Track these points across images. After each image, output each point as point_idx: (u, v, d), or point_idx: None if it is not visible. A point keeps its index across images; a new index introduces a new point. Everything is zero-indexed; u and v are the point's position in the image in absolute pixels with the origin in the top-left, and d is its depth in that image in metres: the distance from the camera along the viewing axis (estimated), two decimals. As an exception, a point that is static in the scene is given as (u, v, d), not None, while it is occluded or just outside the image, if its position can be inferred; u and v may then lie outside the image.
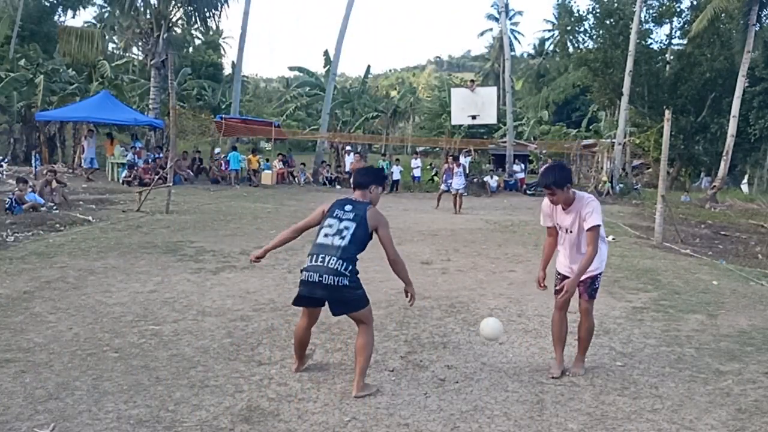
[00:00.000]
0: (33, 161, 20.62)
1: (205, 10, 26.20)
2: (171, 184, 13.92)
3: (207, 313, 5.68)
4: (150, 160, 20.77)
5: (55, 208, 12.52)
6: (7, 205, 11.81)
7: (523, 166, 28.43)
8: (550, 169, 4.38)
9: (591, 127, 40.94)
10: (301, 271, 3.94)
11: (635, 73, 26.71)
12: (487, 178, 26.00)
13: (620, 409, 3.86)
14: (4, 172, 18.00)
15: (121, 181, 19.78)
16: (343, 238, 3.90)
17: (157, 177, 15.56)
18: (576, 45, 35.69)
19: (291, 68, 43.54)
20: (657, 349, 5.10)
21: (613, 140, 27.87)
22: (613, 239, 11.79)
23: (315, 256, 3.89)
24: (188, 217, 12.47)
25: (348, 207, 4.04)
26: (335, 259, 3.81)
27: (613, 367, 4.64)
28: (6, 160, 23.09)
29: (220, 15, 26.72)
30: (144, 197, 13.37)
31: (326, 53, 35.89)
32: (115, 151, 21.77)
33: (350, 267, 3.85)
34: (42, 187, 13.19)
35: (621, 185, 25.82)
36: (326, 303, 3.97)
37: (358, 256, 3.93)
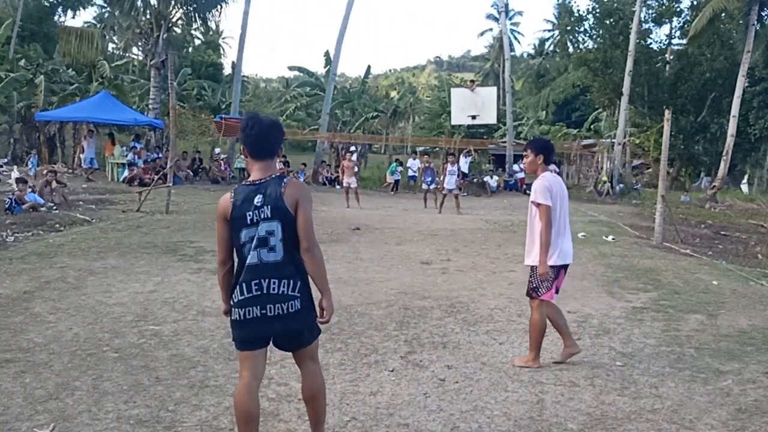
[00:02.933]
0: (30, 161, 20.62)
1: (205, 10, 26.20)
2: (171, 184, 13.92)
3: (207, 313, 5.68)
4: (150, 160, 20.77)
5: (55, 208, 12.52)
6: (7, 205, 11.81)
7: (523, 165, 28.37)
8: (536, 138, 4.74)
9: (591, 127, 40.91)
10: (233, 308, 2.90)
11: (635, 73, 26.71)
12: (486, 178, 25.99)
13: (620, 409, 3.86)
14: (4, 173, 18.00)
15: (122, 179, 19.78)
16: (272, 249, 2.83)
17: (156, 177, 15.55)
18: (576, 45, 35.73)
19: (291, 68, 43.60)
20: (657, 349, 5.10)
21: (613, 140, 27.87)
22: (613, 239, 11.79)
23: (246, 285, 2.83)
24: (188, 217, 12.47)
25: (258, 199, 2.85)
26: (276, 281, 2.82)
27: (613, 367, 4.64)
28: (6, 160, 23.08)
29: (219, 15, 26.80)
30: (144, 197, 13.37)
31: (327, 53, 35.92)
32: (115, 151, 21.77)
33: (298, 283, 2.86)
34: (42, 188, 13.19)
35: (621, 185, 25.82)
36: (275, 341, 2.99)
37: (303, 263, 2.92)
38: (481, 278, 7.79)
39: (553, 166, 4.81)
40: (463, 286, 7.26)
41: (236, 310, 2.87)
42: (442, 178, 17.07)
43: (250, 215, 2.83)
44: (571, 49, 37.94)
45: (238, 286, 2.86)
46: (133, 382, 4.00)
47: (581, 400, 3.98)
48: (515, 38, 58.01)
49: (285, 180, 2.89)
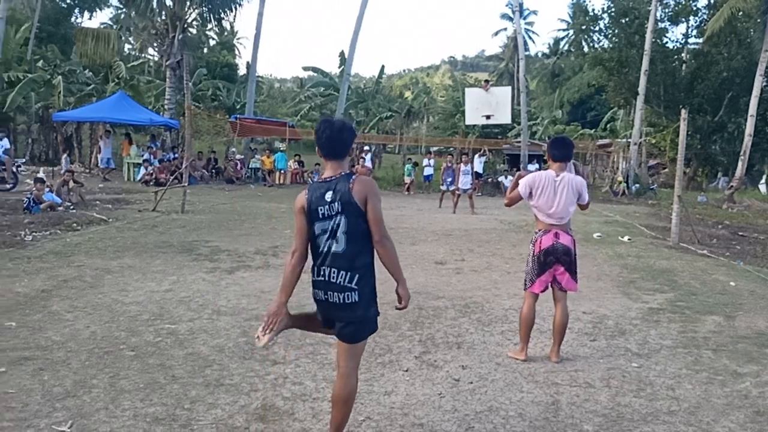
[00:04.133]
0: (63, 160, 20.96)
1: (220, 11, 26.36)
2: (186, 184, 14.03)
3: (222, 312, 5.71)
4: (165, 160, 20.94)
5: (72, 207, 12.66)
6: (25, 205, 11.97)
7: (537, 165, 28.27)
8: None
9: (607, 127, 40.65)
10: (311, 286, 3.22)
11: (651, 72, 26.46)
12: (501, 178, 25.90)
13: (636, 411, 3.83)
14: (22, 172, 18.26)
15: (138, 179, 19.96)
16: (337, 241, 3.04)
17: (172, 177, 15.67)
18: (591, 44, 35.37)
19: (305, 68, 43.75)
20: (673, 350, 5.05)
21: (629, 140, 27.64)
22: (629, 240, 11.70)
23: (317, 269, 3.10)
24: (203, 217, 12.56)
25: (329, 195, 3.06)
26: (336, 271, 3.04)
27: (629, 368, 4.61)
28: (24, 160, 23.38)
29: (234, 16, 26.96)
30: (160, 197, 13.49)
31: (341, 54, 35.98)
32: (132, 151, 22.00)
33: (356, 276, 3.03)
34: (59, 187, 13.35)
35: (637, 185, 25.60)
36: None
37: (369, 257, 3.11)
38: (496, 278, 7.77)
39: (567, 165, 4.85)
40: (478, 286, 7.25)
41: (312, 289, 3.15)
42: (457, 179, 17.05)
43: (322, 210, 3.06)
44: (586, 49, 37.56)
45: (312, 270, 3.13)
46: (149, 380, 4.03)
47: (597, 402, 3.96)
48: (530, 38, 57.80)
49: (353, 177, 3.09)
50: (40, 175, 15.06)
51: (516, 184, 4.85)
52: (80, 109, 23.40)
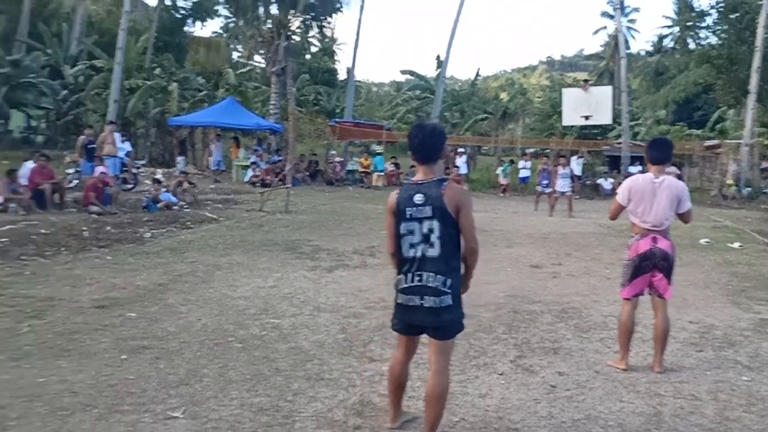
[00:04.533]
0: (179, 163, 22.55)
1: (322, 18, 27.21)
2: (290, 186, 14.62)
3: (322, 309, 5.93)
4: (271, 163, 21.90)
5: (186, 207, 13.56)
6: (144, 204, 12.96)
7: (640, 167, 26.91)
8: None
9: (715, 127, 37.94)
10: (397, 292, 3.25)
11: (763, 69, 24.50)
12: (600, 180, 24.91)
13: (746, 427, 3.62)
14: (142, 173, 19.71)
15: (246, 181, 21.01)
16: (432, 246, 3.11)
17: (277, 178, 16.37)
18: (697, 41, 33.20)
19: (403, 72, 44.09)
20: (790, 365, 4.70)
21: (740, 141, 25.74)
22: (740, 246, 10.93)
23: (411, 275, 3.16)
24: (305, 217, 13.03)
25: (418, 198, 3.14)
26: (433, 275, 3.11)
27: (739, 381, 4.34)
28: (143, 162, 25.25)
29: (335, 22, 27.69)
30: (266, 198, 14.16)
31: (438, 57, 36.05)
32: (240, 154, 23.20)
33: (450, 281, 3.13)
34: (175, 187, 14.34)
35: (748, 189, 23.80)
36: (425, 330, 3.28)
37: (458, 261, 3.20)
38: (595, 284, 7.53)
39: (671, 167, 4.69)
40: (575, 292, 7.06)
41: (400, 295, 3.21)
42: (553, 181, 16.62)
43: (410, 211, 3.15)
44: (692, 46, 35.35)
45: (402, 275, 3.20)
46: (255, 371, 4.24)
47: (703, 415, 3.77)
48: (631, 35, 54.88)
49: (445, 183, 3.16)
50: (158, 176, 16.20)
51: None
52: (193, 114, 24.89)
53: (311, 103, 40.60)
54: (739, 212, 18.74)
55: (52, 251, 8.09)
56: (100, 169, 13.62)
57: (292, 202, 14.43)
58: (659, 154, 4.61)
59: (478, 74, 42.95)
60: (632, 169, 25.67)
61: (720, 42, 29.28)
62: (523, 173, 24.80)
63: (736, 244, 11.09)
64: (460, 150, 27.03)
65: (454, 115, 37.89)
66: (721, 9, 28.40)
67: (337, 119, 28.11)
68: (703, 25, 30.64)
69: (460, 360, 4.62)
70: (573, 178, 17.47)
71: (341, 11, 27.51)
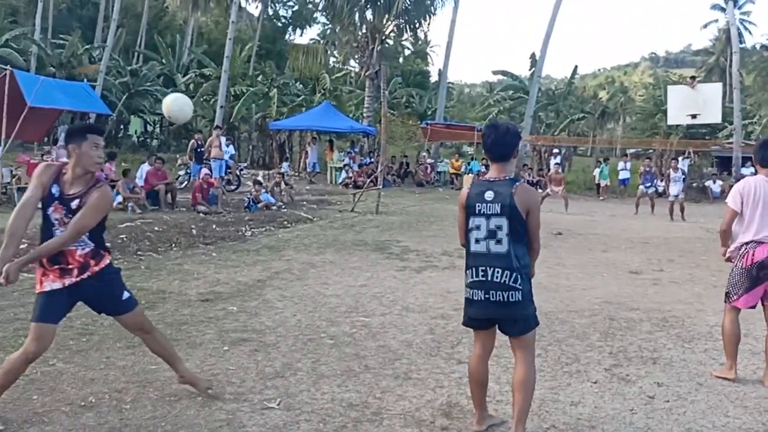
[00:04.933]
0: (284, 168, 23.48)
1: (416, 21, 27.36)
2: (381, 187, 14.84)
3: (410, 309, 5.99)
4: (363, 165, 22.33)
5: (283, 207, 14.10)
6: (246, 204, 13.63)
7: (753, 169, 24.98)
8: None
9: None
10: (466, 287, 3.34)
11: None
12: (708, 183, 23.40)
13: None
14: (245, 175, 20.68)
15: (339, 182, 21.52)
16: (499, 242, 3.17)
17: (369, 180, 16.67)
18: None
19: (495, 72, 43.38)
20: None
21: None
22: None
23: (475, 269, 3.23)
24: (395, 218, 13.18)
25: (489, 194, 3.20)
26: (500, 271, 3.16)
27: None
28: (246, 164, 26.47)
29: (428, 25, 27.75)
30: (357, 199, 14.46)
31: (533, 56, 35.21)
32: (334, 156, 23.83)
33: (520, 278, 3.17)
34: (272, 187, 14.95)
35: None
36: (497, 324, 3.34)
37: (527, 258, 3.26)
38: (699, 292, 7.10)
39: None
40: (678, 299, 6.69)
41: (467, 290, 3.30)
42: (665, 184, 15.84)
43: (479, 206, 3.22)
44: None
45: (468, 270, 3.29)
46: (345, 368, 4.35)
47: (819, 438, 3.47)
48: (745, 28, 50.96)
49: (517, 183, 3.24)
50: (258, 177, 16.96)
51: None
52: (291, 119, 25.82)
53: (403, 106, 40.91)
54: None
55: (164, 247, 8.71)
56: (203, 171, 14.45)
57: (383, 203, 14.62)
58: None
59: (575, 72, 41.40)
60: (744, 170, 23.92)
61: None
62: (622, 174, 23.75)
63: None
64: (555, 151, 26.30)
65: (548, 115, 36.85)
66: None
67: (429, 121, 28.15)
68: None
69: (552, 366, 4.52)
70: (684, 181, 16.60)
71: (435, 14, 27.51)
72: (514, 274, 3.16)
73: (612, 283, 7.47)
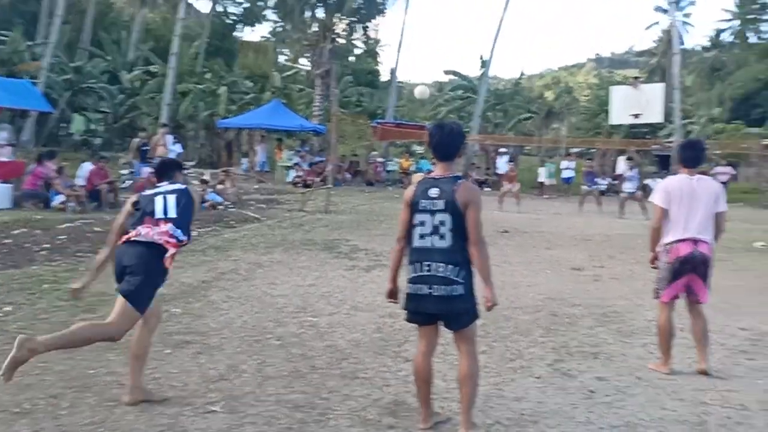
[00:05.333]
0: (243, 164, 23.10)
1: (366, 20, 27.39)
2: (331, 186, 14.78)
3: (359, 308, 5.98)
4: (313, 164, 22.21)
5: (230, 206, 13.86)
6: (191, 204, 13.30)
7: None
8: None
9: (779, 125, 36.32)
10: (408, 282, 3.39)
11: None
12: (648, 181, 24.28)
13: (798, 440, 3.47)
14: (191, 174, 20.26)
15: (288, 181, 21.32)
16: (443, 237, 3.25)
17: (318, 179, 16.58)
18: (759, 35, 31.84)
19: (446, 72, 43.87)
20: None
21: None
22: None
23: (419, 264, 3.30)
24: (345, 217, 13.14)
25: (434, 191, 3.30)
26: (444, 265, 3.23)
27: (793, 391, 4.16)
28: (193, 163, 25.90)
29: (379, 24, 27.81)
30: (307, 198, 14.35)
31: (482, 57, 35.74)
32: (283, 155, 23.59)
33: (462, 272, 3.26)
34: (216, 185, 14.69)
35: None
36: (440, 319, 3.40)
37: (468, 253, 3.29)
38: (639, 287, 7.33)
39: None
40: (618, 295, 6.90)
41: (410, 285, 3.36)
42: (618, 181, 16.43)
43: (424, 203, 3.31)
44: (753, 40, 33.92)
45: (412, 265, 3.35)
46: (292, 368, 4.30)
47: (752, 426, 3.63)
48: (686, 30, 53.09)
49: (460, 181, 3.33)
50: (205, 176, 16.61)
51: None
52: (240, 117, 25.41)
53: (354, 105, 40.84)
54: (799, 214, 17.97)
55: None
56: (146, 170, 14.07)
57: (333, 202, 14.57)
58: (692, 156, 4.59)
59: (522, 73, 42.38)
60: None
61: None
62: (566, 174, 24.38)
63: (759, 244, 10.69)
64: (502, 150, 26.76)
65: (497, 115, 37.48)
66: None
67: (379, 120, 28.21)
68: (766, 17, 29.30)
69: (496, 362, 4.59)
70: (638, 179, 17.19)
71: (385, 13, 27.60)
72: (457, 268, 3.25)
73: (555, 279, 7.64)
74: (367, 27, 28.55)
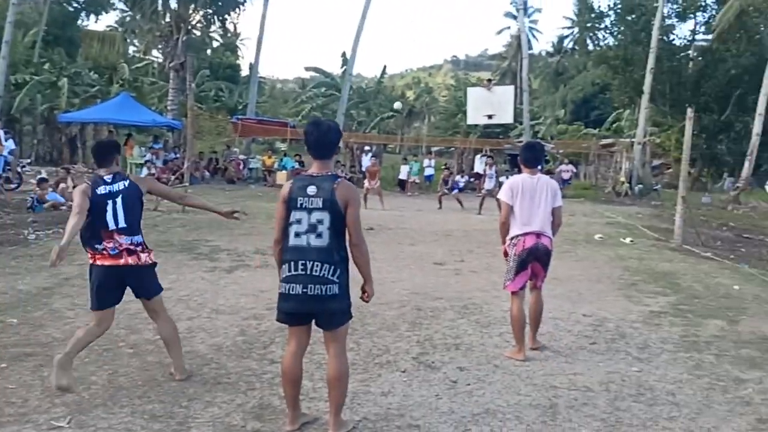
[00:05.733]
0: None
1: (224, 12, 26.47)
2: (188, 184, 14.05)
3: (221, 311, 5.72)
4: (168, 161, 21.03)
5: (74, 207, 12.70)
6: (29, 204, 12.05)
7: (540, 166, 28.12)
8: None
9: (612, 127, 40.46)
10: (281, 281, 3.30)
11: (657, 70, 26.15)
12: (502, 179, 25.91)
13: (635, 416, 3.80)
14: (27, 172, 18.44)
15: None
16: (320, 236, 3.19)
17: (174, 177, 15.71)
18: (596, 42, 35.14)
19: (307, 68, 43.76)
20: (675, 354, 5.01)
21: (633, 140, 27.43)
22: (631, 241, 11.66)
23: (294, 263, 3.21)
24: (204, 217, 12.51)
25: (311, 189, 3.24)
26: (320, 264, 3.17)
27: (629, 372, 4.57)
28: (30, 161, 23.53)
29: (238, 17, 27.05)
30: (161, 197, 13.50)
31: (344, 55, 36.02)
32: (134, 151, 22.08)
33: (339, 271, 3.21)
34: (56, 185, 13.42)
35: (640, 186, 25.46)
36: (314, 319, 3.33)
37: (346, 252, 3.29)
38: (495, 280, 7.70)
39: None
40: (477, 288, 7.23)
41: (282, 284, 3.27)
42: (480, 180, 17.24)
43: (301, 201, 3.24)
44: (591, 47, 37.36)
45: (285, 264, 3.26)
46: (147, 377, 4.05)
47: (595, 406, 3.93)
48: (533, 36, 57.31)
49: (338, 180, 3.30)
50: (44, 175, 15.14)
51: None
52: (85, 111, 23.64)
53: (212, 100, 39.41)
54: (631, 209, 20.04)
55: None
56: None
57: (191, 201, 13.85)
58: (532, 157, 5.03)
59: (384, 72, 43.27)
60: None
61: (617, 43, 31.00)
62: (427, 171, 25.27)
63: (628, 240, 11.83)
64: (366, 148, 27.15)
65: (360, 113, 38.06)
66: (619, 10, 30.06)
67: (239, 116, 27.40)
68: (602, 26, 32.32)
69: (363, 359, 4.59)
70: (496, 177, 18.18)
71: (244, 6, 26.78)
72: (333, 267, 3.19)
73: (418, 274, 7.85)
74: (225, 20, 27.52)
